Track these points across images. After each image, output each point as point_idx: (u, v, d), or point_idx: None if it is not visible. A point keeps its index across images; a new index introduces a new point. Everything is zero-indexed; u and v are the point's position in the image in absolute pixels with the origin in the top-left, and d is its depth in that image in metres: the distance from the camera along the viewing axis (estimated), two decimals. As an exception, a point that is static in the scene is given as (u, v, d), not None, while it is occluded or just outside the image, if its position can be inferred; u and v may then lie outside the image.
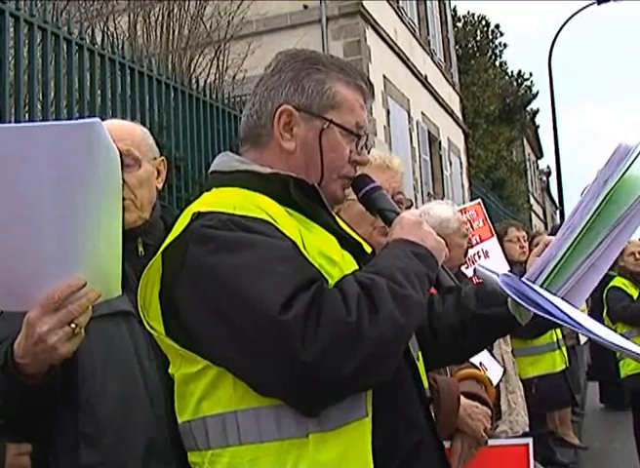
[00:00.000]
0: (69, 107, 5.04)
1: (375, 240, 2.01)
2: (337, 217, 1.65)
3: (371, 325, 1.27)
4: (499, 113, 25.68)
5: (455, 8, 25.18)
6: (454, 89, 19.67)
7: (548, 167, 37.15)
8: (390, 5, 14.28)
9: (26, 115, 4.68)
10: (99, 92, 5.37)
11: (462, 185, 18.81)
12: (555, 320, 1.42)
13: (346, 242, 1.57)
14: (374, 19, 12.78)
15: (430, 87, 16.64)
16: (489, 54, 28.00)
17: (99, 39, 5.56)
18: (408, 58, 14.91)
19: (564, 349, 5.14)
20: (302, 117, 1.55)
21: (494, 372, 3.32)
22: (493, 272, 1.53)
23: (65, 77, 4.98)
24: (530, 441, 2.61)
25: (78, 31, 5.17)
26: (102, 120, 1.42)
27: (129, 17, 8.83)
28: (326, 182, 1.57)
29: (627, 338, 5.35)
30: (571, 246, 1.62)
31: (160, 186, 2.01)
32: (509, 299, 1.60)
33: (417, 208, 4.72)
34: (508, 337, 4.43)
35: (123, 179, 1.81)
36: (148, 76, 5.84)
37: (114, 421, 1.70)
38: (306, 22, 12.22)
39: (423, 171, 15.53)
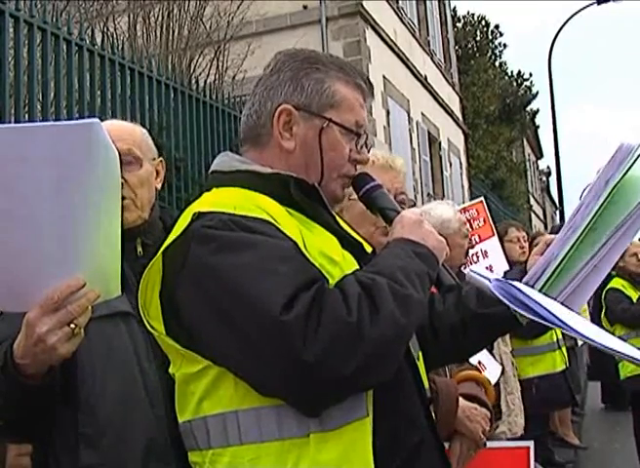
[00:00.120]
0: (69, 108, 5.04)
1: (376, 240, 2.01)
2: (337, 217, 1.65)
3: (372, 325, 1.27)
4: (498, 113, 25.68)
5: (454, 8, 25.22)
6: (453, 89, 19.67)
7: (548, 167, 37.18)
8: (390, 5, 14.28)
9: (26, 115, 4.68)
10: (98, 92, 5.37)
11: (462, 186, 18.81)
12: (547, 323, 1.42)
13: (347, 242, 1.57)
14: (373, 20, 12.78)
15: (430, 87, 16.64)
16: (489, 54, 28.01)
17: (98, 40, 5.56)
18: (408, 59, 14.91)
19: (564, 349, 5.14)
20: (302, 116, 1.55)
21: (492, 371, 3.33)
22: (484, 277, 1.53)
23: (65, 78, 4.98)
24: (531, 444, 2.61)
25: (78, 32, 5.17)
26: (102, 120, 1.42)
27: (129, 17, 8.83)
28: (326, 181, 1.57)
29: (624, 340, 5.34)
30: (573, 246, 1.62)
31: (159, 187, 2.02)
32: None
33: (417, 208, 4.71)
34: (507, 338, 4.43)
35: (124, 178, 1.82)
36: (148, 77, 5.84)
37: (114, 422, 1.70)
38: (306, 23, 12.22)
39: (423, 171, 15.53)
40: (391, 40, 13.84)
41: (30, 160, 1.30)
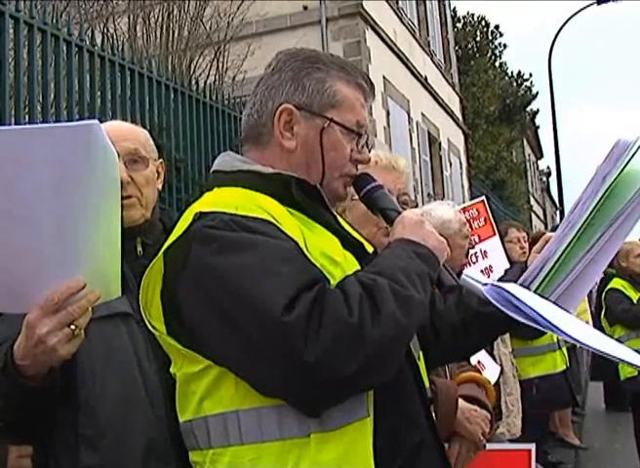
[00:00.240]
0: (69, 109, 5.04)
1: (378, 240, 2.01)
2: (338, 218, 1.65)
3: (373, 325, 1.27)
4: (498, 114, 25.69)
5: (454, 9, 25.21)
6: (453, 89, 19.67)
7: (548, 167, 37.24)
8: (390, 6, 14.28)
9: (26, 117, 4.67)
10: (98, 93, 5.36)
11: (462, 186, 18.81)
12: (539, 327, 1.42)
13: (348, 242, 1.57)
14: (373, 20, 12.78)
15: (430, 88, 16.65)
16: (489, 54, 28.01)
17: (98, 40, 5.55)
18: (408, 59, 14.91)
19: (564, 349, 5.13)
20: (303, 116, 1.55)
21: (491, 371, 3.33)
22: (477, 281, 1.52)
23: (65, 78, 4.98)
24: (532, 446, 2.61)
25: (78, 33, 5.16)
26: (102, 121, 1.42)
27: (129, 18, 8.83)
28: (327, 181, 1.57)
29: (625, 341, 5.29)
30: (570, 242, 1.62)
31: (160, 188, 2.02)
32: None
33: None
34: (507, 339, 4.43)
35: (131, 177, 1.84)
36: (148, 77, 5.83)
37: (114, 423, 1.70)
38: (306, 23, 12.22)
39: (423, 171, 15.53)
40: (391, 40, 13.84)
41: (30, 161, 1.30)
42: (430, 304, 1.72)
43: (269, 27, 11.87)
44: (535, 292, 1.66)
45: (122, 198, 1.51)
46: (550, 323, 1.40)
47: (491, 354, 3.68)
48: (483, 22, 28.13)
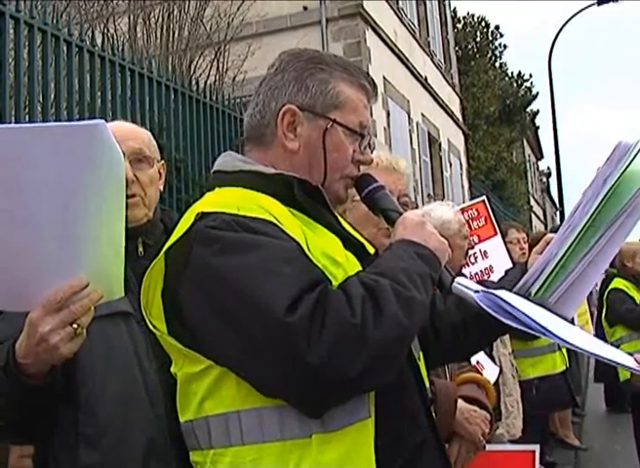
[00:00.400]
0: (69, 109, 5.03)
1: (378, 241, 2.01)
2: (340, 218, 1.65)
3: (375, 326, 1.27)
4: (499, 114, 25.68)
5: (455, 9, 25.20)
6: (454, 90, 19.67)
7: (548, 168, 37.25)
8: (390, 6, 14.28)
9: (26, 117, 4.67)
10: (99, 93, 5.36)
11: (463, 186, 18.81)
12: (533, 332, 1.42)
13: (350, 243, 1.57)
14: (373, 21, 12.78)
15: (430, 88, 16.65)
16: (489, 55, 28.01)
17: (99, 41, 5.55)
18: (408, 60, 14.91)
19: (564, 350, 5.12)
20: (306, 117, 1.55)
21: (490, 372, 3.32)
22: (469, 288, 1.53)
23: (65, 79, 4.97)
24: (536, 448, 2.61)
25: (78, 33, 5.16)
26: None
27: (129, 18, 8.82)
28: (329, 182, 1.57)
29: (623, 343, 5.26)
30: (571, 245, 1.62)
31: (161, 188, 2.03)
32: None
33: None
34: (507, 340, 4.42)
35: (136, 176, 1.85)
36: (148, 78, 5.83)
37: (114, 422, 1.70)
38: (306, 24, 12.22)
39: (423, 172, 15.53)
40: (391, 41, 13.84)
41: (34, 160, 1.30)
42: (431, 305, 1.72)
43: (269, 28, 11.86)
44: (536, 294, 1.67)
45: (126, 197, 1.52)
46: (543, 327, 1.40)
47: (490, 355, 3.68)
48: (483, 23, 28.13)
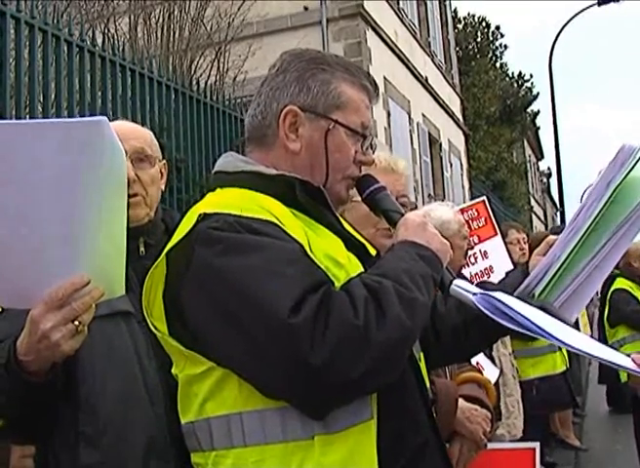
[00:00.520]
0: (70, 109, 5.04)
1: (377, 241, 2.01)
2: (341, 219, 1.64)
3: (378, 328, 1.27)
4: (499, 115, 25.68)
5: (455, 9, 25.21)
6: (454, 90, 19.67)
7: (549, 168, 37.24)
8: (391, 6, 14.28)
9: (27, 117, 4.68)
10: (99, 93, 5.36)
11: (463, 187, 18.81)
12: (531, 334, 1.42)
13: (351, 244, 1.57)
14: (374, 21, 12.78)
15: (431, 88, 16.65)
16: (489, 55, 28.00)
17: (99, 41, 5.55)
18: (408, 60, 14.91)
19: (565, 350, 5.13)
20: (308, 117, 1.54)
21: (490, 373, 3.32)
22: (467, 291, 1.53)
23: (66, 79, 4.98)
24: (537, 445, 2.61)
25: (79, 33, 5.16)
26: (103, 121, 1.42)
27: (129, 18, 8.82)
28: (331, 183, 1.56)
29: (626, 344, 5.26)
30: (574, 248, 1.62)
31: (162, 188, 2.03)
32: None
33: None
34: (507, 340, 4.42)
35: (137, 175, 1.84)
36: (149, 78, 5.83)
37: (114, 421, 1.70)
38: (307, 24, 12.22)
39: (424, 172, 15.53)
40: (392, 41, 13.84)
41: (37, 156, 1.30)
42: (432, 306, 1.72)
43: (270, 28, 11.86)
44: (538, 296, 1.66)
45: (128, 196, 1.51)
46: (541, 328, 1.40)
47: (490, 356, 3.68)
48: (484, 23, 28.12)
